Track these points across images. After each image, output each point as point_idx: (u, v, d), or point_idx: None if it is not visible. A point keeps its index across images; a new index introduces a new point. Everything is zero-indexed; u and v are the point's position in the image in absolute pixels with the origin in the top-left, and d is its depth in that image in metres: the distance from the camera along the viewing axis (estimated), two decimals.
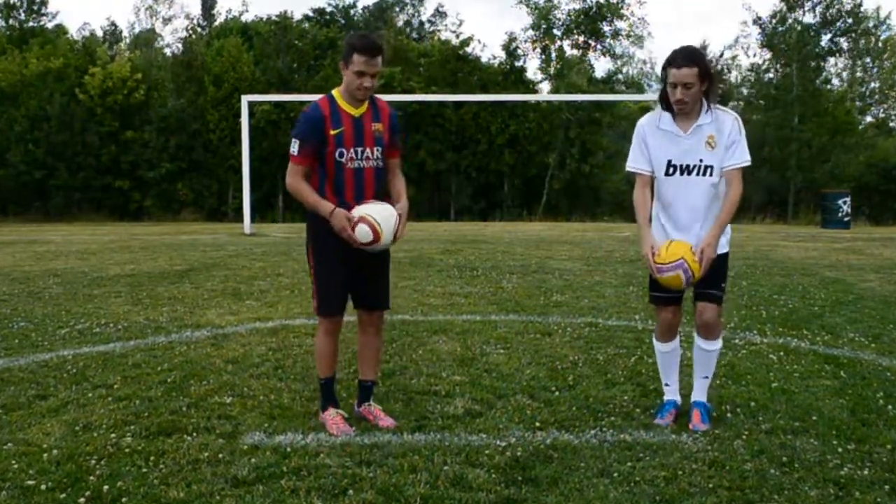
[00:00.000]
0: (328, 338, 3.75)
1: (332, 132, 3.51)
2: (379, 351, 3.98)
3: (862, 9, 36.71)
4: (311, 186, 3.58)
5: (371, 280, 3.76)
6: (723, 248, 3.71)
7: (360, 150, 3.56)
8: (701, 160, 3.63)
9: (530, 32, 39.33)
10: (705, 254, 3.56)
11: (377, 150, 3.61)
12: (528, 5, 39.37)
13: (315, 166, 3.56)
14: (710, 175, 3.63)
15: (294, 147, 3.54)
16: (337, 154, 3.54)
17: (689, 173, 3.65)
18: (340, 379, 4.53)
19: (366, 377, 3.89)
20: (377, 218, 3.50)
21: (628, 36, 39.66)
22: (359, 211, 3.52)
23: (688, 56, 3.54)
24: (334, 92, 3.61)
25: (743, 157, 3.61)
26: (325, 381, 3.78)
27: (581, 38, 39.54)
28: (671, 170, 3.68)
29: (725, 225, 3.62)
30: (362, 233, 3.49)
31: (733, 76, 41.54)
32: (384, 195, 3.71)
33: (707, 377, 3.91)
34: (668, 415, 3.83)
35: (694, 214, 3.67)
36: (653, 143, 3.72)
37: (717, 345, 3.89)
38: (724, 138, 3.60)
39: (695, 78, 3.51)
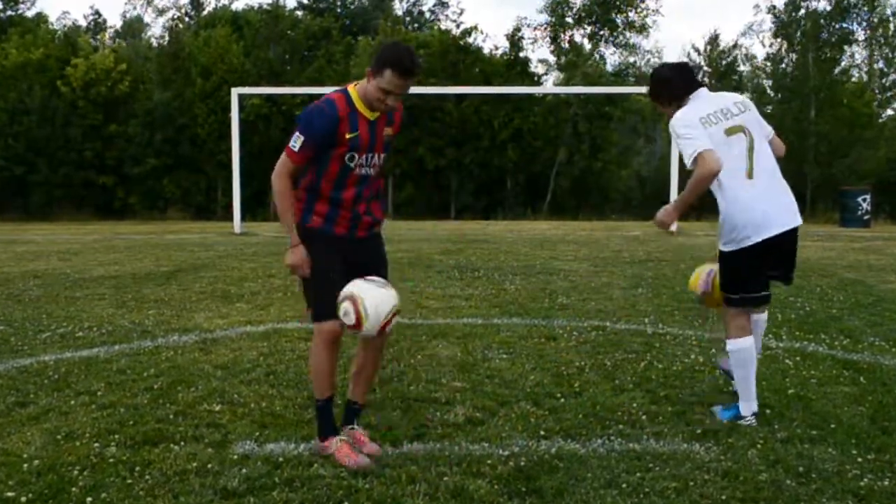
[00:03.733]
0: (329, 351, 3.46)
1: (347, 136, 3.34)
2: (377, 371, 3.85)
3: None
4: (306, 180, 3.44)
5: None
6: (720, 244, 3.99)
7: (370, 156, 3.43)
8: None
9: (542, 17, 39.36)
10: (657, 216, 3.93)
11: (383, 156, 3.50)
12: None
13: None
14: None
15: (296, 142, 3.33)
16: (347, 158, 3.37)
17: None
18: (335, 385, 4.53)
19: (356, 399, 3.65)
20: (367, 305, 3.20)
21: (632, 25, 39.67)
22: (352, 288, 3.25)
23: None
24: (351, 90, 3.40)
25: (686, 157, 3.80)
26: (324, 403, 3.49)
27: (592, 28, 39.54)
28: None
29: (682, 201, 3.91)
30: (344, 312, 3.23)
31: (745, 68, 41.56)
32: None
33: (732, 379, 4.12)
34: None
35: None
36: None
37: (729, 346, 4.01)
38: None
39: (654, 102, 4.19)
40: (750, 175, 3.82)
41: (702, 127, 3.78)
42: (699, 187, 3.76)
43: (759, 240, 3.81)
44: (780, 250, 3.91)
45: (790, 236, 3.92)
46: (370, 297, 3.23)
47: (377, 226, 3.59)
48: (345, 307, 3.25)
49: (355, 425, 3.61)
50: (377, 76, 3.30)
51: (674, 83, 4.00)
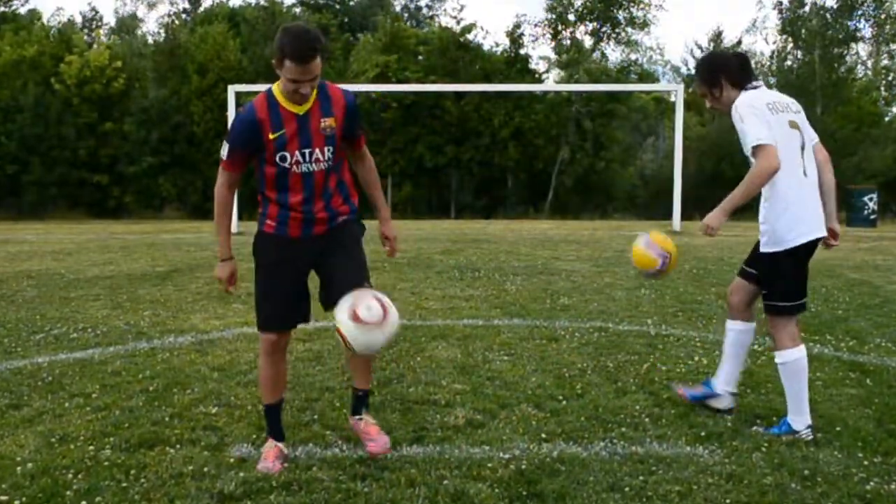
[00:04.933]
0: (269, 359, 3.52)
1: (270, 136, 3.24)
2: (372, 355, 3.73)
3: None
4: (259, 187, 3.41)
5: (339, 268, 3.43)
6: (764, 245, 3.79)
7: (307, 152, 3.30)
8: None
9: (543, 15, 39.30)
10: (703, 222, 3.74)
11: (328, 151, 3.33)
12: None
13: (249, 170, 3.40)
14: (747, 164, 3.79)
15: (224, 151, 3.34)
16: (278, 158, 3.28)
17: None
18: (333, 388, 4.54)
19: (359, 386, 3.68)
20: (354, 344, 3.10)
21: (633, 21, 39.66)
22: (341, 322, 3.09)
23: (695, 69, 3.99)
24: (274, 88, 3.31)
25: (746, 143, 3.66)
26: (267, 408, 3.57)
27: (594, 25, 39.54)
28: None
29: (734, 199, 3.66)
30: (368, 307, 3.08)
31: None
32: (354, 191, 3.53)
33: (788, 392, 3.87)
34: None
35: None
36: None
37: (778, 357, 3.86)
38: (736, 126, 3.74)
39: (700, 88, 3.96)
40: (805, 173, 3.77)
41: (770, 113, 3.69)
42: (758, 183, 3.61)
43: (808, 240, 3.73)
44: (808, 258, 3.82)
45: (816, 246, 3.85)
46: (358, 338, 3.09)
47: (340, 217, 3.46)
48: (336, 336, 3.16)
49: (363, 415, 3.62)
50: (279, 68, 3.20)
51: (733, 67, 3.88)
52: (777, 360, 3.86)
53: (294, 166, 3.31)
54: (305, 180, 3.35)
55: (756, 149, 3.59)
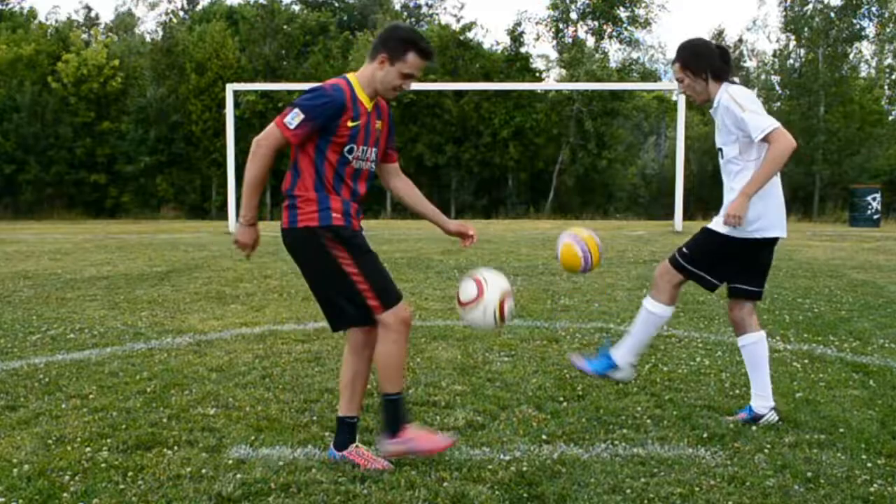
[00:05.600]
0: (404, 334, 3.32)
1: (350, 124, 3.24)
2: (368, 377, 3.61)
3: None
4: (309, 181, 3.25)
5: None
6: (715, 224, 3.89)
7: (365, 149, 3.32)
8: (718, 142, 3.95)
9: (544, 13, 39.31)
10: (726, 217, 3.74)
11: (374, 152, 3.38)
12: None
13: (308, 159, 3.27)
14: (722, 157, 3.91)
15: (294, 119, 3.17)
16: (346, 150, 3.25)
17: (719, 155, 3.98)
18: (333, 389, 4.54)
19: (352, 413, 3.47)
20: (486, 276, 3.42)
21: (636, 20, 39.66)
22: (485, 274, 3.44)
23: (677, 51, 3.96)
24: (351, 78, 3.31)
25: (758, 128, 3.67)
26: (400, 396, 3.36)
27: (596, 23, 39.52)
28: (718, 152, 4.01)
29: (758, 182, 3.69)
30: (463, 289, 3.41)
31: (752, 64, 41.56)
32: (403, 211, 3.56)
33: (631, 334, 4.12)
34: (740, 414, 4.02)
35: (725, 196, 3.91)
36: None
37: (648, 304, 4.05)
38: (728, 118, 3.79)
39: (680, 72, 3.93)
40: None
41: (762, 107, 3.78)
42: (780, 163, 3.67)
43: (765, 236, 3.85)
44: (759, 257, 3.94)
45: (773, 246, 3.98)
46: (488, 271, 3.50)
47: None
48: (464, 284, 3.45)
49: (358, 443, 3.48)
50: (398, 61, 3.23)
51: (717, 59, 3.90)
52: (646, 304, 4.04)
53: (354, 161, 3.31)
54: (356, 176, 3.35)
55: (771, 133, 3.64)
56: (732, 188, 3.83)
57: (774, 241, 3.92)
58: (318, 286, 3.40)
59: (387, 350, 3.30)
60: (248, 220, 3.36)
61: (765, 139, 3.66)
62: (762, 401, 3.97)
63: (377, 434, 3.62)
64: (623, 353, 4.09)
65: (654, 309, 4.03)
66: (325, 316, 3.49)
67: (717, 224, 3.90)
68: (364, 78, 3.31)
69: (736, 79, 3.94)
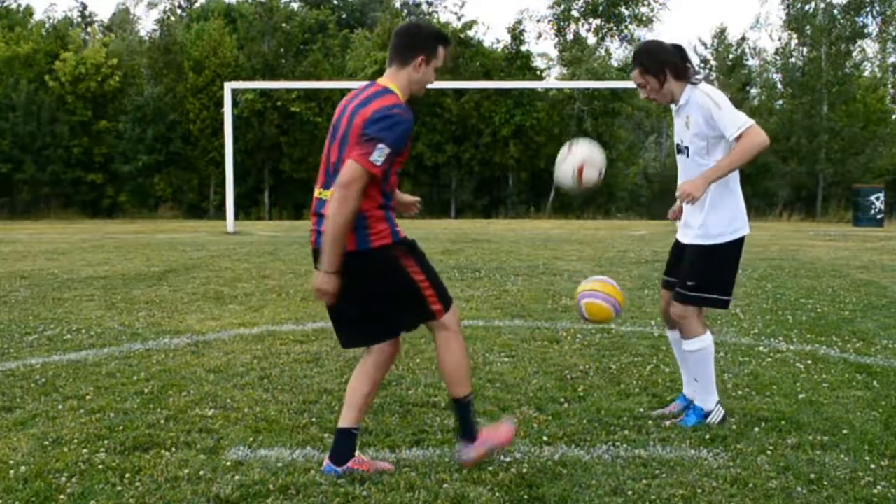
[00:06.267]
0: (461, 334, 3.29)
1: (410, 142, 3.22)
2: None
3: None
4: (375, 202, 3.15)
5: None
6: (705, 237, 3.89)
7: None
8: (682, 140, 3.96)
9: (546, 11, 39.28)
10: (681, 188, 3.76)
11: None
12: None
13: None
14: (688, 156, 3.94)
15: (380, 155, 3.00)
16: (403, 165, 3.25)
17: (679, 153, 4.01)
18: (332, 390, 4.54)
19: (357, 424, 3.37)
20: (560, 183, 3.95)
21: (638, 18, 39.64)
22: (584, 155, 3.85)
23: (633, 58, 4.00)
24: (394, 88, 3.19)
25: (734, 125, 3.71)
26: (472, 397, 3.31)
27: (598, 22, 39.51)
28: (676, 149, 4.07)
29: (722, 169, 3.72)
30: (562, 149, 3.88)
31: (754, 62, 41.53)
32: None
33: (696, 380, 4.05)
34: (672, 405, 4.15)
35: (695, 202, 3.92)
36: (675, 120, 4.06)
37: (691, 345, 4.00)
38: (701, 116, 3.81)
39: (640, 77, 3.92)
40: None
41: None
42: (751, 155, 3.71)
43: (747, 232, 3.94)
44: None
45: None
46: (585, 141, 3.99)
47: None
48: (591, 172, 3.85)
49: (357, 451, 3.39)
50: (433, 58, 3.24)
51: (677, 59, 3.92)
52: (692, 346, 3.98)
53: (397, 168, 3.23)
54: (393, 187, 3.28)
55: (747, 129, 3.68)
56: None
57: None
58: (385, 302, 3.26)
59: (453, 352, 3.26)
60: (334, 267, 3.08)
61: (738, 137, 3.69)
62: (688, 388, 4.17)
63: (377, 434, 3.61)
64: (705, 399, 3.98)
65: (696, 346, 3.97)
66: (366, 332, 3.34)
67: (700, 237, 3.91)
68: (402, 86, 3.23)
69: (699, 76, 3.97)
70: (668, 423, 3.97)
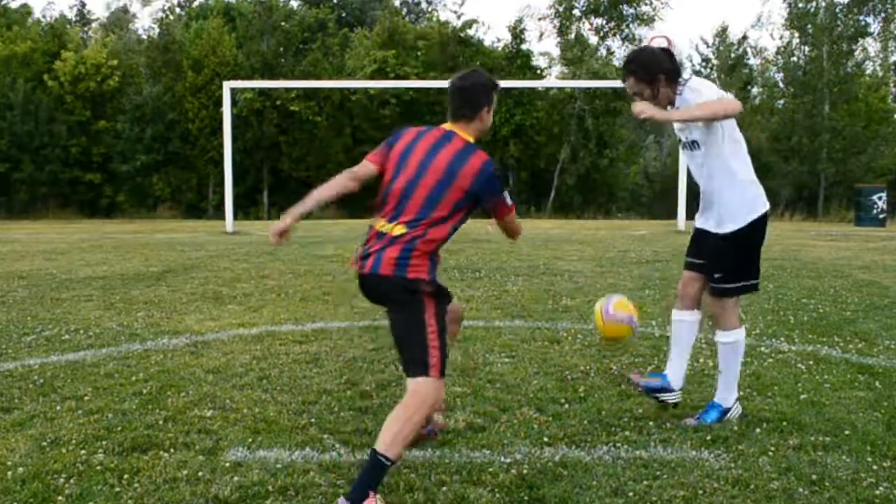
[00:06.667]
0: (426, 412, 3.18)
1: None
2: None
3: None
4: (442, 239, 3.29)
5: None
6: (734, 223, 3.93)
7: None
8: (686, 137, 4.02)
9: (550, 10, 39.21)
10: (637, 105, 3.85)
11: None
12: None
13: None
14: (698, 148, 3.96)
15: (509, 198, 3.39)
16: None
17: (685, 149, 4.08)
18: (331, 390, 4.54)
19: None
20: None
21: (640, 17, 39.62)
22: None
23: (625, 67, 4.03)
24: (470, 138, 3.41)
25: (712, 97, 3.77)
26: (392, 465, 3.03)
27: (599, 21, 39.49)
28: (681, 146, 4.13)
29: (685, 114, 3.82)
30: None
31: (755, 61, 41.53)
32: None
33: (721, 371, 4.12)
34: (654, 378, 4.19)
35: (706, 193, 4.04)
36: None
37: (726, 337, 4.08)
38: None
39: (635, 86, 3.95)
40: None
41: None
42: (721, 111, 3.73)
43: (759, 213, 3.97)
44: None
45: None
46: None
47: None
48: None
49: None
50: (492, 105, 3.45)
51: (666, 62, 3.95)
52: (724, 339, 4.06)
53: None
54: None
55: (723, 96, 3.76)
56: (709, 180, 3.97)
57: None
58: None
59: (414, 421, 3.06)
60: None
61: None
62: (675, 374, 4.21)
63: (377, 436, 3.61)
64: (726, 395, 4.06)
65: (730, 339, 4.06)
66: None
67: (716, 228, 3.98)
68: (475, 137, 3.43)
69: (685, 74, 4.02)
70: (687, 421, 4.00)
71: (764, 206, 3.99)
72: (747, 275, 4.00)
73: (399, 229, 3.21)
